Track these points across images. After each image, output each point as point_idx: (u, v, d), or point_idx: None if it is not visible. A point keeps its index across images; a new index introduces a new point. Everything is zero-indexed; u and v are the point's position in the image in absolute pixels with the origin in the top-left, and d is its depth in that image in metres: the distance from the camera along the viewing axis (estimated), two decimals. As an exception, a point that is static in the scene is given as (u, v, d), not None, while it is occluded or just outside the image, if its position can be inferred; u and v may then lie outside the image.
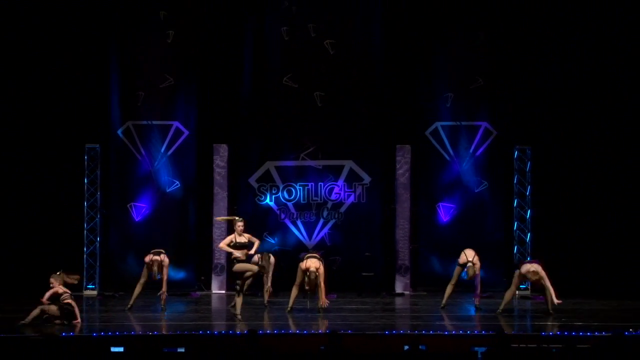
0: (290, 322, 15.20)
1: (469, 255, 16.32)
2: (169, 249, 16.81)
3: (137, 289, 16.32)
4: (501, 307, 15.91)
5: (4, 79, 18.75)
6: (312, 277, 15.67)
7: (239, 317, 14.91)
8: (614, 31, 18.71)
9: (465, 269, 16.28)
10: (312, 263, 15.81)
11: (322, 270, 15.84)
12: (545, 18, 19.13)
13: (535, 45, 19.21)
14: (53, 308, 14.55)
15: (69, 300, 14.62)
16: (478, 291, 16.48)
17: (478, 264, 16.27)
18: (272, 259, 16.79)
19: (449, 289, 16.55)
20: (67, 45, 18.95)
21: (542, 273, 15.56)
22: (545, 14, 19.12)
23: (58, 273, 14.77)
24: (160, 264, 16.21)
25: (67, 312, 14.60)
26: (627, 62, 18.72)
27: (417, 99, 19.58)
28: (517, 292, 16.61)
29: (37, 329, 13.98)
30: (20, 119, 18.81)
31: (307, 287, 15.89)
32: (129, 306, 16.26)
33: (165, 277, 16.25)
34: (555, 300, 15.57)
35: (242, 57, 19.54)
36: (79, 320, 14.69)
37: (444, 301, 16.57)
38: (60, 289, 14.66)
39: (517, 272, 15.99)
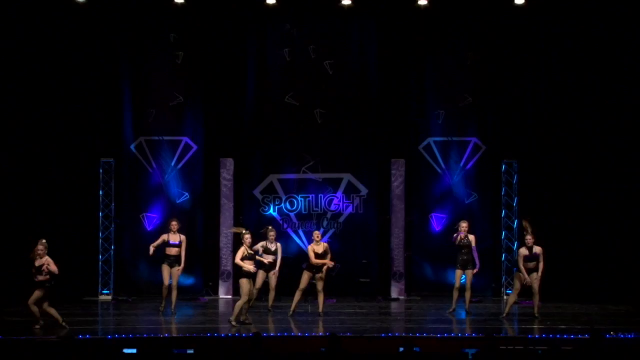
0: (292, 325, 15.21)
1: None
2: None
3: (164, 292, 16.38)
4: (505, 311, 15.92)
5: (25, 98, 18.74)
6: None
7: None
8: (596, 49, 18.71)
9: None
10: None
11: None
12: (530, 39, 19.17)
13: (520, 65, 19.25)
14: (37, 293, 14.42)
15: (46, 278, 14.53)
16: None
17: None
18: (278, 245, 16.81)
19: (455, 294, 16.48)
20: (83, 66, 18.98)
21: (542, 254, 15.70)
22: (530, 35, 19.15)
23: (44, 240, 14.70)
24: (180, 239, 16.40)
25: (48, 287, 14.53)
26: (607, 80, 18.72)
27: (410, 116, 19.64)
28: (506, 297, 16.58)
29: (51, 330, 13.97)
30: (39, 136, 18.80)
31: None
32: (161, 309, 16.34)
33: (184, 253, 16.33)
34: (536, 311, 15.63)
35: (247, 77, 19.57)
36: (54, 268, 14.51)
37: (453, 305, 16.48)
38: (44, 264, 14.48)
39: (515, 272, 16.05)
